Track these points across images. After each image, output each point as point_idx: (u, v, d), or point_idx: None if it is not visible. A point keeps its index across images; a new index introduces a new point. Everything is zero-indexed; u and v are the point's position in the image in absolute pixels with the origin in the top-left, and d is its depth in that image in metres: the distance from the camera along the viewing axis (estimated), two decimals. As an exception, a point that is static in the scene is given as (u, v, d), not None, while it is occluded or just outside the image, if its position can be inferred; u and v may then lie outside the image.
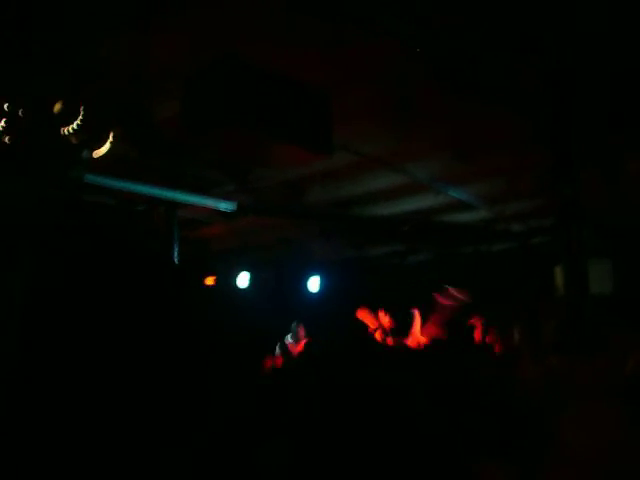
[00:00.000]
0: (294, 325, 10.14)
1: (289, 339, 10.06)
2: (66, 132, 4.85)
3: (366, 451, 2.70)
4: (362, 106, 5.97)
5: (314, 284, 12.78)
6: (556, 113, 5.94)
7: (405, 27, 4.71)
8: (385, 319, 9.13)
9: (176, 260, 8.79)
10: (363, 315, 9.18)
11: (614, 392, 3.25)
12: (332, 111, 5.51)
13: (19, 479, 4.76)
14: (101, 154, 5.20)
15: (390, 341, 8.56)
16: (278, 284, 12.56)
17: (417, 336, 8.71)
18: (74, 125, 4.79)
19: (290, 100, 5.21)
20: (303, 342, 9.60)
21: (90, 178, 6.73)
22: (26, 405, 5.73)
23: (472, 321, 8.59)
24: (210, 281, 11.71)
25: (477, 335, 8.29)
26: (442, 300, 8.89)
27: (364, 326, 9.18)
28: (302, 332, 10.03)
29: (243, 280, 11.97)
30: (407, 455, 2.73)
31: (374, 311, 9.28)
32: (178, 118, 5.06)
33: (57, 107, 4.82)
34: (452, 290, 8.83)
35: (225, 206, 8.60)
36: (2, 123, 4.64)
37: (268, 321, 10.24)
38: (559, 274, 10.08)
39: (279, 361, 8.92)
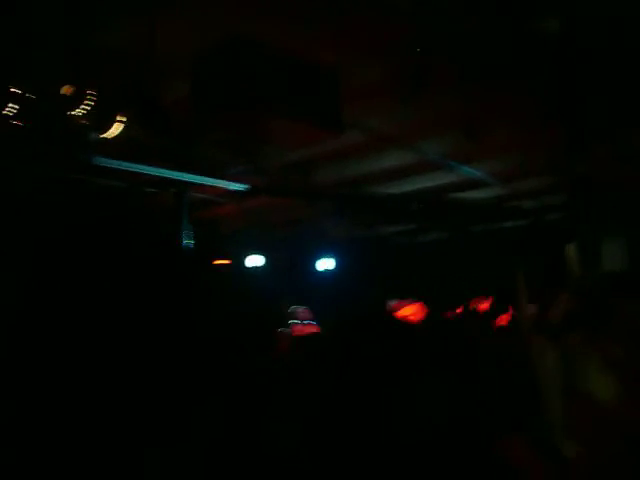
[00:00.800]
0: (293, 308, 9.99)
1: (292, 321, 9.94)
2: (75, 114, 4.83)
3: (378, 430, 2.69)
4: (372, 84, 5.93)
5: (326, 264, 12.79)
6: (568, 90, 5.89)
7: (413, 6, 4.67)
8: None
9: (188, 242, 8.77)
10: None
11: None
12: (342, 89, 5.47)
13: (17, 478, 4.78)
14: (111, 136, 5.19)
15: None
16: (290, 264, 12.56)
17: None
18: (83, 107, 4.77)
19: (300, 79, 5.17)
20: (309, 324, 9.56)
21: (99, 160, 6.73)
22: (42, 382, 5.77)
23: (485, 300, 8.58)
24: (222, 262, 11.72)
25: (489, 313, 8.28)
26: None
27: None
28: (306, 314, 9.91)
29: (254, 261, 11.97)
30: (420, 438, 2.73)
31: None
32: (188, 99, 5.04)
33: (66, 89, 4.80)
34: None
35: (236, 187, 8.59)
36: (11, 106, 4.63)
37: (279, 302, 10.23)
38: (571, 251, 10.07)
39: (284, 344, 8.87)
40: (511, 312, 8.06)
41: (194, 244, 8.84)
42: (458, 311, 8.34)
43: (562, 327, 4.16)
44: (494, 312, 8.27)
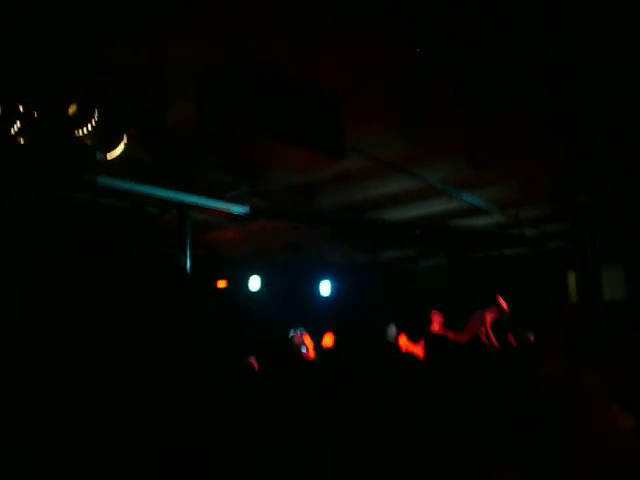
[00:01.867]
0: (294, 332, 9.95)
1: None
2: (80, 134, 4.87)
3: (378, 453, 2.69)
4: (376, 110, 5.97)
5: (325, 288, 12.78)
6: (570, 120, 5.92)
7: (413, 32, 4.71)
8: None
9: (188, 263, 8.78)
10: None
11: (620, 397, 3.25)
12: (345, 115, 5.51)
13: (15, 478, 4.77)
14: (115, 156, 5.22)
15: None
16: (289, 288, 12.56)
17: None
18: (88, 127, 4.81)
19: (304, 104, 5.22)
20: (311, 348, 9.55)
21: (103, 180, 6.75)
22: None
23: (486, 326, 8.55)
24: (222, 285, 11.72)
25: (491, 339, 8.26)
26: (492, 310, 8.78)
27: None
28: (306, 338, 9.90)
29: (254, 284, 11.97)
30: (418, 456, 2.73)
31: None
32: (192, 121, 5.07)
33: (72, 109, 4.84)
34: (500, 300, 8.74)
35: (238, 210, 8.60)
36: (17, 125, 4.66)
37: (279, 324, 10.23)
38: (572, 279, 10.07)
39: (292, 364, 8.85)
40: (511, 338, 8.05)
41: (192, 264, 8.84)
42: (457, 337, 8.31)
43: (563, 357, 4.17)
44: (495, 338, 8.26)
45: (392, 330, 9.43)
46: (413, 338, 8.92)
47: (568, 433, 3.05)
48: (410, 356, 7.37)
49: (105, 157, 5.24)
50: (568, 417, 3.13)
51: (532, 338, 8.32)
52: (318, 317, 10.88)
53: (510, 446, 3.08)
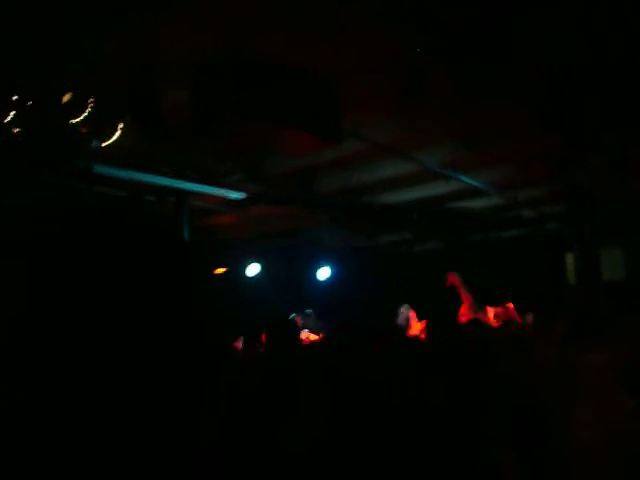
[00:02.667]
0: (293, 315, 9.81)
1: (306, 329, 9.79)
2: (75, 123, 4.85)
3: (379, 440, 2.70)
4: (371, 94, 5.95)
5: (324, 273, 12.77)
6: (566, 101, 5.91)
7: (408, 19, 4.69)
8: None
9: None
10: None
11: (622, 380, 3.25)
12: (341, 99, 5.49)
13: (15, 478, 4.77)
14: (109, 143, 5.20)
15: None
16: (288, 273, 12.55)
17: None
18: (83, 115, 4.79)
19: (299, 89, 5.20)
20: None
21: (99, 169, 6.73)
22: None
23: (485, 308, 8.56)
24: (221, 271, 11.70)
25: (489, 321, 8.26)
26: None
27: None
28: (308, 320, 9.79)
29: (253, 270, 11.95)
30: (416, 441, 2.73)
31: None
32: (187, 108, 5.05)
33: (66, 98, 4.81)
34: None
35: (235, 195, 8.59)
36: (12, 114, 4.64)
37: (278, 311, 10.22)
38: (570, 260, 10.08)
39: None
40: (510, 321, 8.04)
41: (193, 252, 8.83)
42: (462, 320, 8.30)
43: (562, 339, 4.18)
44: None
45: (404, 312, 9.13)
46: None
47: (570, 417, 3.05)
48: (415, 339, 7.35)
49: (100, 145, 5.22)
50: (569, 400, 3.13)
51: (530, 320, 8.32)
52: (317, 301, 10.86)
53: (511, 433, 3.09)
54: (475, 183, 8.98)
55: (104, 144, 5.26)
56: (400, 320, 9.07)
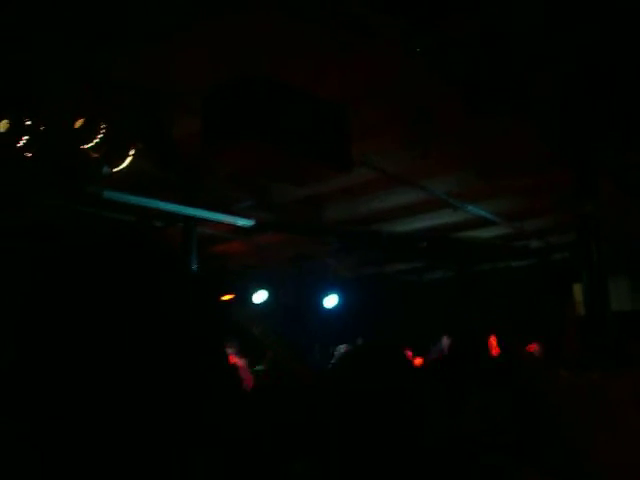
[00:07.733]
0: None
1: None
2: (87, 148, 4.88)
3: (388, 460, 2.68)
4: (381, 122, 5.98)
5: (332, 301, 12.74)
6: (576, 132, 5.92)
7: (418, 40, 4.71)
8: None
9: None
10: None
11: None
12: (351, 127, 5.51)
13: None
14: (120, 169, 5.23)
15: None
16: (296, 301, 12.52)
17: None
18: (95, 141, 4.82)
19: (309, 116, 5.21)
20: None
21: (109, 194, 6.75)
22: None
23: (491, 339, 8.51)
24: (228, 298, 11.68)
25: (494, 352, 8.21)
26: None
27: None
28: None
29: (260, 297, 11.93)
30: (431, 463, 2.71)
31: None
32: (198, 134, 5.08)
33: (78, 123, 4.85)
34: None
35: (243, 222, 8.59)
36: (24, 139, 4.68)
37: (286, 338, 10.18)
38: (578, 291, 10.03)
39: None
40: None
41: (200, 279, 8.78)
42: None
43: (581, 365, 4.16)
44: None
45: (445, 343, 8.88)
46: (420, 351, 8.85)
47: (595, 441, 3.03)
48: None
49: (111, 171, 5.24)
50: (595, 424, 3.11)
51: (539, 350, 8.27)
52: (325, 330, 10.84)
53: (529, 451, 3.06)
54: (483, 213, 8.99)
55: (115, 169, 5.28)
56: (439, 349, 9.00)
